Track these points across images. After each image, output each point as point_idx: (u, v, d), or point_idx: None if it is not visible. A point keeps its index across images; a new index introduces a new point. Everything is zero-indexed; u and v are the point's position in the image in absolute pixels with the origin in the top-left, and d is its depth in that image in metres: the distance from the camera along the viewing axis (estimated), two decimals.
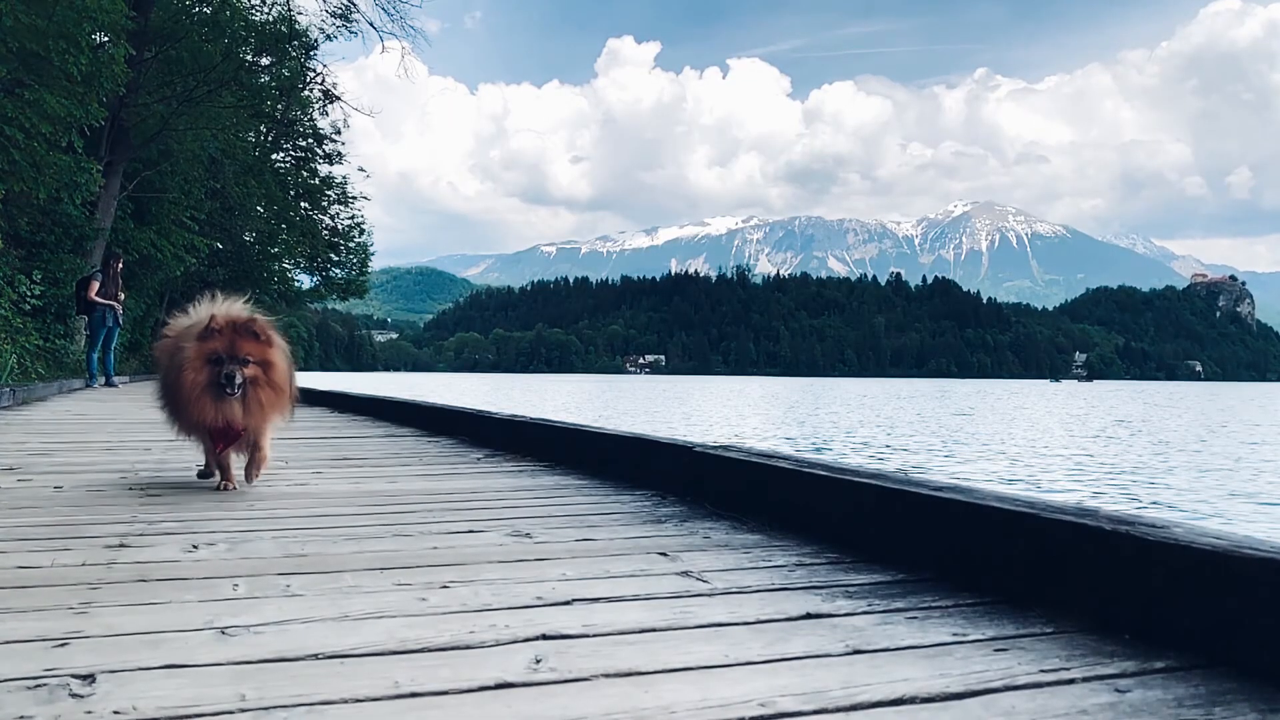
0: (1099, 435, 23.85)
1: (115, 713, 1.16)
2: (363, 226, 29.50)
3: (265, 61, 22.67)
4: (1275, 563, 1.32)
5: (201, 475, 3.61)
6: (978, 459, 16.58)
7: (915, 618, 1.64)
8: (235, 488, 3.31)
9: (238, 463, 3.42)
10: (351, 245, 29.53)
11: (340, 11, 22.09)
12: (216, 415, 3.10)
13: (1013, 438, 22.42)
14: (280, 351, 3.24)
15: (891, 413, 35.87)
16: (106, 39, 14.73)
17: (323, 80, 24.97)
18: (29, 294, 15.98)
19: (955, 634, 1.54)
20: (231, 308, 3.23)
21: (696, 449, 3.13)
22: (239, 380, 3.06)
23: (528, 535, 2.46)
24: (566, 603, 1.74)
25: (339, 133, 27.47)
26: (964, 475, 13.66)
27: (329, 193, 28.83)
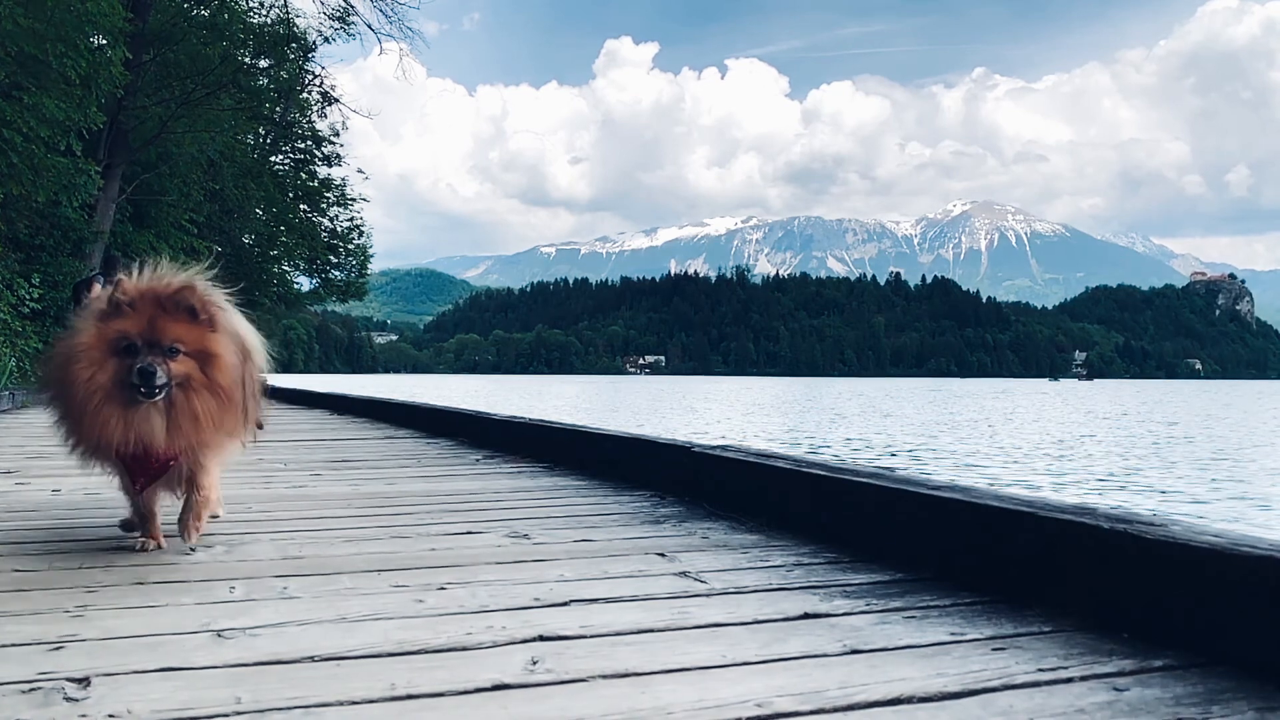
0: (1092, 435, 23.85)
1: (110, 716, 1.16)
2: (362, 228, 29.48)
3: (264, 64, 22.68)
4: (1274, 561, 1.31)
5: (124, 527, 2.43)
6: (966, 459, 16.58)
7: (913, 617, 1.63)
8: (161, 546, 2.25)
9: (171, 508, 2.36)
10: (351, 247, 29.50)
11: (338, 14, 22.10)
12: (126, 433, 2.06)
13: (1006, 438, 22.41)
14: (229, 337, 2.18)
15: (891, 409, 35.88)
16: (104, 42, 14.74)
17: (321, 82, 24.96)
18: (28, 297, 15.99)
19: (953, 633, 1.53)
20: (159, 275, 2.14)
21: (695, 449, 3.13)
22: (160, 380, 2.02)
23: (526, 536, 2.45)
24: (564, 604, 1.74)
25: (338, 135, 27.45)
26: (937, 472, 13.65)
27: (328, 195, 28.81)
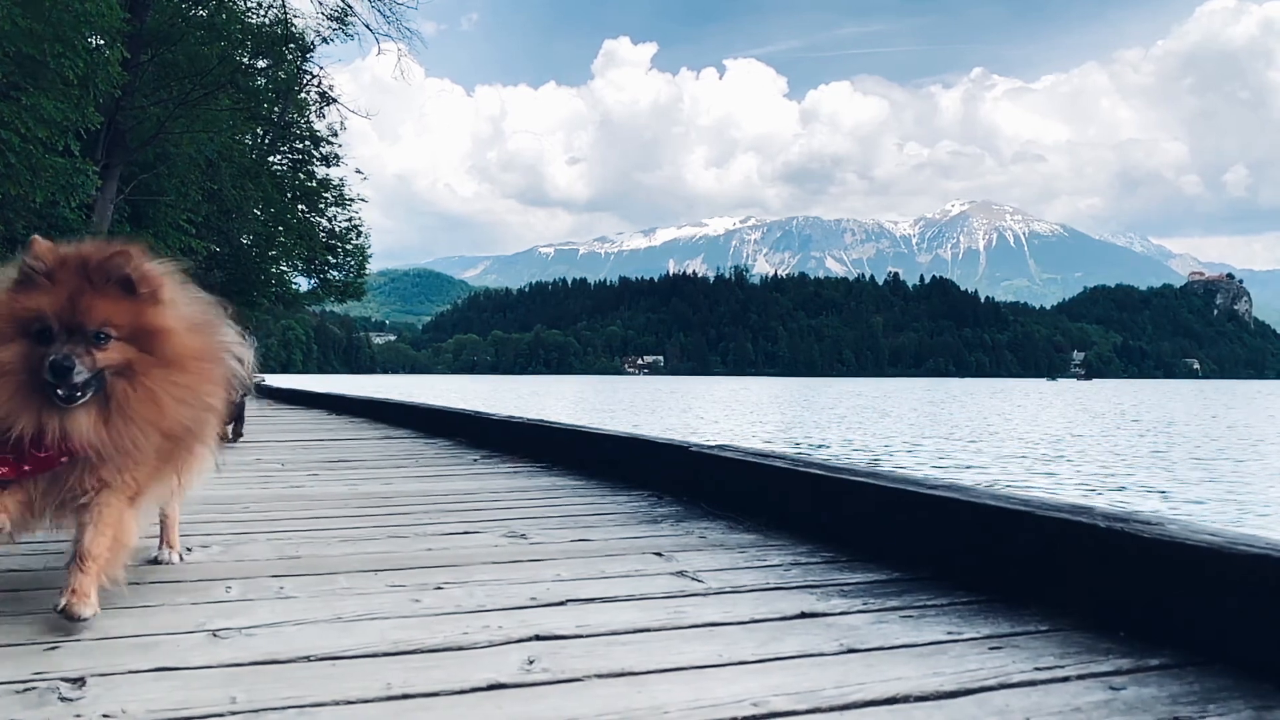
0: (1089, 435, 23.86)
1: (104, 716, 1.16)
2: (360, 228, 29.44)
3: (262, 64, 22.65)
4: (1271, 559, 1.31)
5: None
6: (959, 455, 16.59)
7: (910, 616, 1.63)
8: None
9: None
10: (349, 247, 29.45)
11: (336, 14, 22.05)
12: (33, 423, 1.56)
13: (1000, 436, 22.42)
14: (182, 313, 1.73)
15: (889, 409, 35.90)
16: (102, 42, 14.73)
17: (319, 83, 24.93)
18: None
19: (950, 632, 1.53)
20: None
21: (693, 449, 3.13)
22: (80, 377, 1.55)
23: (523, 536, 2.45)
24: (560, 603, 1.73)
25: (336, 135, 27.40)
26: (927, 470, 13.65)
27: (326, 195, 28.77)
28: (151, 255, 1.74)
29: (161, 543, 2.11)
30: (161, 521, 2.08)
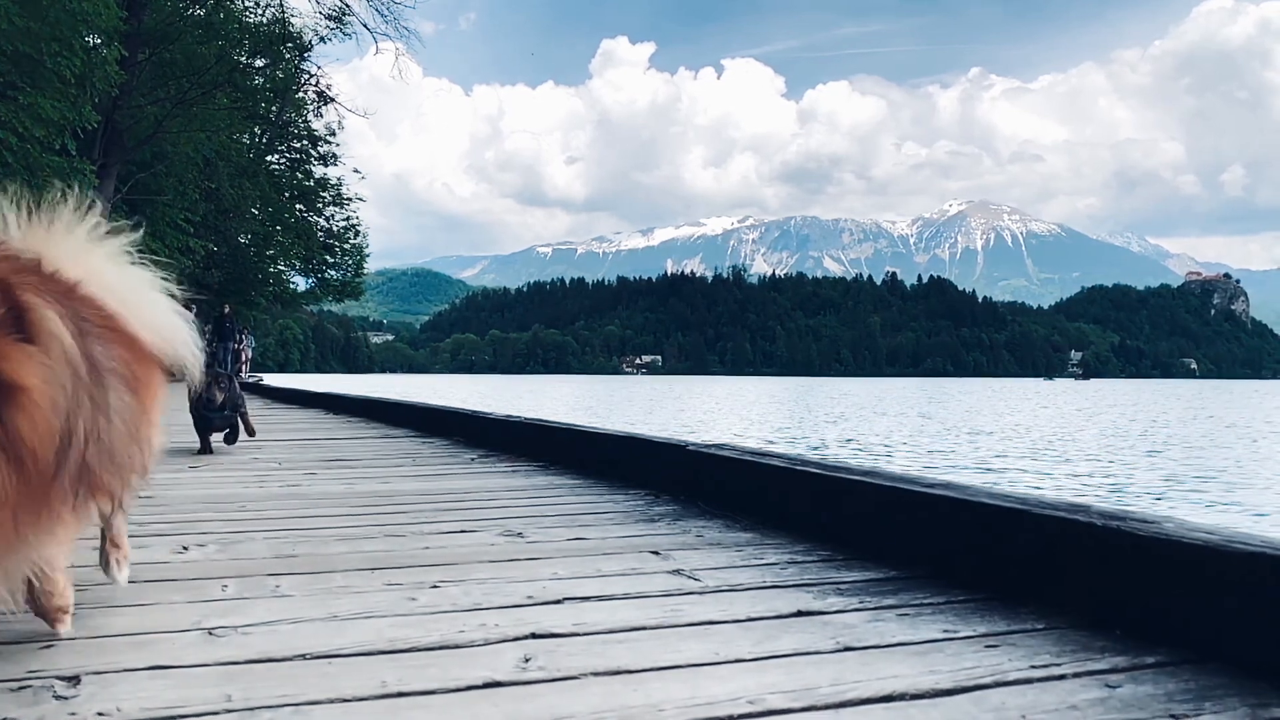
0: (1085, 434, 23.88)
1: (99, 714, 1.15)
2: (358, 228, 29.50)
3: (259, 63, 22.65)
4: (1267, 558, 1.31)
5: None
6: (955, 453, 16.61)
7: (906, 615, 1.63)
8: None
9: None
10: (347, 247, 29.51)
11: (334, 13, 22.07)
12: None
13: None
14: (59, 368, 1.11)
15: (886, 409, 35.94)
16: (99, 41, 14.72)
17: (317, 82, 24.96)
18: None
19: (946, 631, 1.53)
20: None
21: (690, 448, 3.12)
22: None
23: (520, 535, 2.45)
24: (557, 602, 1.73)
25: (333, 134, 27.46)
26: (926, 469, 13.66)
27: (324, 194, 28.82)
28: (25, 268, 1.13)
29: (104, 557, 1.75)
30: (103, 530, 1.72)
